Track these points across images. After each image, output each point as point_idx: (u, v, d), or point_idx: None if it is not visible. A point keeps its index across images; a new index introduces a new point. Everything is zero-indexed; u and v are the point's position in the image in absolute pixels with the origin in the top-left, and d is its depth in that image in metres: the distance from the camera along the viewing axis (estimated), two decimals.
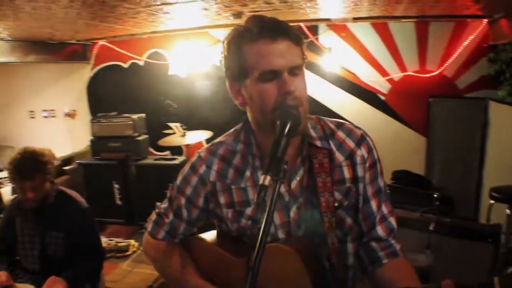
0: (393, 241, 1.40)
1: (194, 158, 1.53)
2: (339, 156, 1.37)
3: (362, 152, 1.38)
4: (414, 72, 5.25)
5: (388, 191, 3.51)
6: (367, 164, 1.38)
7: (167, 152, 6.60)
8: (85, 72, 7.06)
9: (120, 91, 6.80)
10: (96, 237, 3.04)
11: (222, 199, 1.44)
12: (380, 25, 5.22)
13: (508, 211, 2.99)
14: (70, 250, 2.86)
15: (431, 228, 2.68)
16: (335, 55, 5.41)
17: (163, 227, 1.58)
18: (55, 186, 2.95)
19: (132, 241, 5.31)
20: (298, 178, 1.36)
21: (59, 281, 2.58)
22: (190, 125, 5.73)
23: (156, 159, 6.08)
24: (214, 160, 1.47)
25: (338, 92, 5.56)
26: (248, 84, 1.28)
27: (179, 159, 5.93)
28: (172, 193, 1.57)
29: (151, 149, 6.56)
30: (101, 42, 6.69)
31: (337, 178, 1.35)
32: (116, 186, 5.93)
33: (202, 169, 1.48)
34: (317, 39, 5.47)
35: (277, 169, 1.08)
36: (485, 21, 4.85)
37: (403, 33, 5.19)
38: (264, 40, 1.22)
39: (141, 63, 6.66)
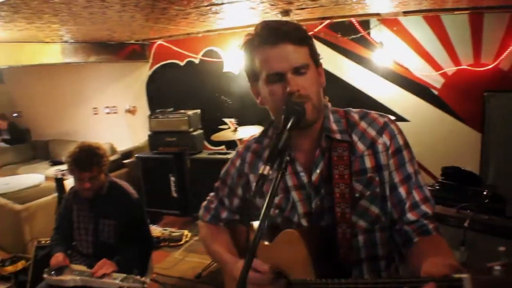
0: (425, 221, 1.38)
1: (233, 153, 1.74)
2: (360, 146, 1.41)
3: (384, 139, 1.40)
4: (468, 65, 5.11)
5: (437, 187, 3.47)
6: (390, 151, 1.39)
7: (222, 147, 6.78)
8: (144, 71, 7.42)
9: (177, 88, 7.10)
10: (145, 226, 3.28)
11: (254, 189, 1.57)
12: (433, 18, 5.13)
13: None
14: (120, 237, 3.11)
15: (466, 224, 2.65)
16: (387, 50, 5.37)
17: (210, 212, 1.81)
18: (108, 178, 3.23)
19: (186, 232, 5.54)
20: (318, 171, 1.43)
21: (109, 263, 2.87)
22: (244, 120, 5.88)
23: (210, 153, 6.29)
24: (247, 154, 1.65)
25: (390, 86, 5.52)
26: (260, 85, 1.42)
27: (233, 153, 6.09)
28: (218, 184, 1.79)
29: (206, 144, 6.78)
30: (158, 42, 6.99)
31: (357, 169, 1.39)
32: (172, 179, 6.19)
33: (238, 162, 1.68)
34: (368, 33, 5.46)
35: (278, 160, 1.18)
36: None
37: (457, 25, 5.07)
38: (267, 46, 1.32)
39: (196, 61, 6.90)
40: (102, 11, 3.59)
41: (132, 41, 6.76)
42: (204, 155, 6.23)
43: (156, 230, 5.46)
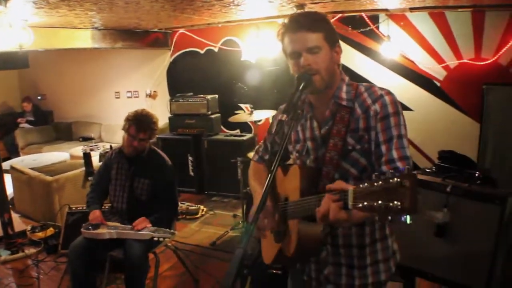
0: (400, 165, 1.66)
1: (277, 111, 2.20)
2: (358, 111, 1.80)
3: (375, 107, 1.74)
4: (469, 59, 5.46)
5: (433, 169, 3.83)
6: (379, 116, 1.72)
7: (237, 130, 7.21)
8: (166, 58, 7.88)
9: (196, 75, 7.55)
10: (174, 189, 3.75)
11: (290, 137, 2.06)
12: (437, 15, 5.48)
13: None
14: (151, 195, 3.59)
15: (448, 190, 3.06)
16: (394, 43, 5.74)
17: (258, 154, 2.29)
18: (150, 145, 3.75)
19: (202, 206, 6.00)
20: (326, 127, 1.86)
21: (147, 220, 3.40)
22: (259, 105, 6.28)
23: (226, 135, 6.76)
24: None
25: (395, 77, 5.89)
26: (288, 59, 1.86)
27: (247, 135, 6.58)
28: (266, 135, 2.25)
29: (223, 128, 7.22)
30: (180, 31, 7.44)
31: (353, 128, 1.79)
32: (190, 158, 6.64)
33: (279, 116, 1.99)
34: (377, 27, 5.83)
35: (293, 111, 1.65)
36: None
37: (460, 22, 5.41)
38: (290, 32, 1.78)
39: (216, 49, 7.33)
40: (137, 0, 4.01)
41: (156, 29, 7.18)
42: (220, 136, 6.69)
43: None
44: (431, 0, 4.63)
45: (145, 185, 3.58)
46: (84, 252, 3.31)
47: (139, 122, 3.47)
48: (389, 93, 1.79)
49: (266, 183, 1.51)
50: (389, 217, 1.17)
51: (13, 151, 9.50)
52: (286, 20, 1.82)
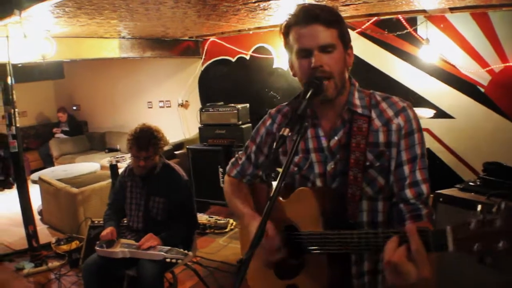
0: (421, 205, 1.49)
1: (266, 115, 1.90)
2: (377, 122, 1.56)
3: (398, 121, 1.52)
4: None
5: (478, 182, 3.53)
6: (403, 132, 1.53)
7: None
8: (197, 66, 7.74)
9: (228, 83, 7.38)
10: (191, 206, 3.54)
11: (280, 148, 1.77)
12: (480, 15, 5.13)
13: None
14: (168, 214, 3.38)
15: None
16: (433, 46, 5.40)
17: (236, 168, 1.96)
18: (162, 159, 3.52)
19: (231, 220, 5.76)
20: (337, 138, 1.60)
21: (155, 237, 3.14)
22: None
23: None
24: (278, 116, 1.82)
25: (435, 83, 5.52)
26: (293, 58, 1.59)
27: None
28: (248, 142, 1.95)
29: None
30: (211, 39, 7.29)
31: (372, 141, 1.55)
32: (221, 170, 6.43)
33: (269, 122, 1.84)
34: (415, 30, 5.51)
35: (298, 125, 1.35)
36: None
37: (505, 22, 5.02)
38: (299, 25, 1.51)
39: (247, 57, 7.14)
40: (157, 7, 3.86)
41: (186, 38, 7.06)
42: None
43: (202, 217, 5.72)
44: None
45: (161, 203, 3.38)
46: (98, 270, 3.15)
47: (138, 141, 3.25)
48: (411, 106, 1.58)
49: (266, 210, 1.26)
50: None
51: (48, 161, 9.58)
52: (294, 10, 1.55)
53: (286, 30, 1.58)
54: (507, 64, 5.12)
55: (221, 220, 5.69)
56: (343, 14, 5.08)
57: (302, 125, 1.35)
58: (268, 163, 1.87)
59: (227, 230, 5.58)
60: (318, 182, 1.64)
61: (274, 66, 6.91)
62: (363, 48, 5.88)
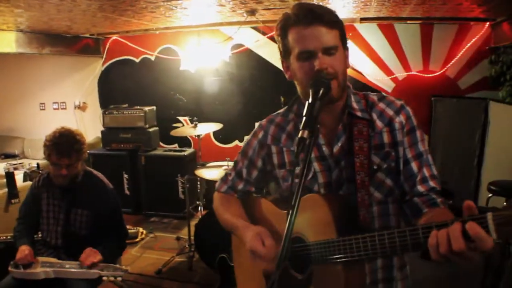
0: (434, 196, 1.47)
1: (256, 127, 1.80)
2: (379, 124, 1.52)
3: (400, 119, 1.51)
4: (417, 72, 5.45)
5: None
6: (405, 129, 1.51)
7: (175, 145, 6.77)
8: (97, 66, 7.26)
9: (131, 85, 7.01)
10: (120, 216, 3.20)
11: (275, 160, 1.68)
12: (386, 26, 5.42)
13: (505, 204, 3.16)
14: (93, 228, 2.99)
15: None
16: None
17: (226, 183, 1.87)
18: (84, 167, 3.09)
19: (141, 229, 5.46)
20: (339, 144, 1.53)
21: (96, 251, 2.77)
22: (199, 118, 5.88)
23: (165, 151, 6.26)
24: (270, 127, 1.73)
25: None
26: (291, 61, 1.50)
27: (188, 150, 6.10)
28: (238, 157, 1.85)
29: (160, 142, 6.71)
30: (114, 37, 6.89)
31: (376, 143, 1.51)
32: (126, 176, 6.12)
33: (261, 134, 1.74)
34: None
35: (313, 126, 1.27)
36: (487, 24, 5.06)
37: (408, 34, 5.39)
38: (301, 26, 1.42)
39: (152, 58, 6.85)
40: None
41: (87, 35, 6.62)
42: (159, 152, 6.18)
43: None
44: (387, 10, 4.48)
45: (84, 216, 2.97)
46: None
47: (58, 146, 2.80)
48: (407, 103, 1.57)
49: (288, 223, 1.18)
50: None
51: None
52: (293, 9, 1.47)
53: (283, 32, 1.49)
54: (410, 72, 5.47)
55: (131, 229, 5.36)
56: (261, 18, 5.11)
57: (314, 128, 1.27)
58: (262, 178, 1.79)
59: (138, 239, 5.27)
60: (323, 192, 1.57)
61: (181, 68, 6.71)
62: (272, 53, 5.98)
